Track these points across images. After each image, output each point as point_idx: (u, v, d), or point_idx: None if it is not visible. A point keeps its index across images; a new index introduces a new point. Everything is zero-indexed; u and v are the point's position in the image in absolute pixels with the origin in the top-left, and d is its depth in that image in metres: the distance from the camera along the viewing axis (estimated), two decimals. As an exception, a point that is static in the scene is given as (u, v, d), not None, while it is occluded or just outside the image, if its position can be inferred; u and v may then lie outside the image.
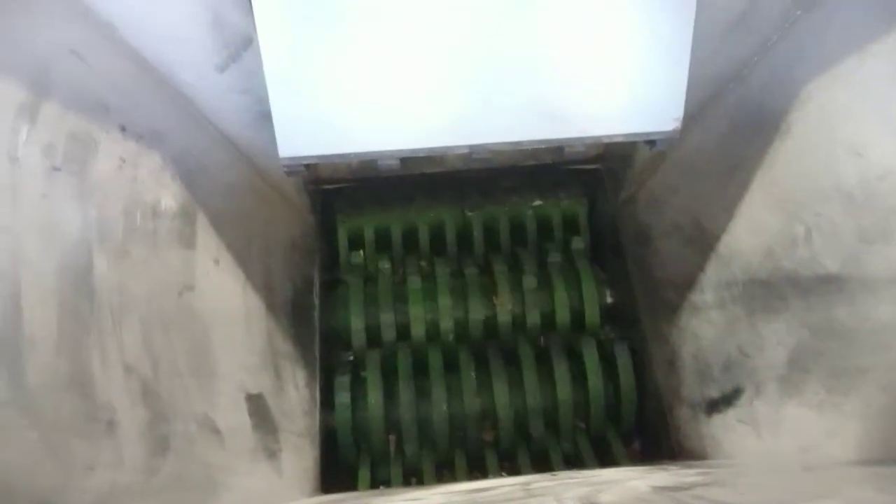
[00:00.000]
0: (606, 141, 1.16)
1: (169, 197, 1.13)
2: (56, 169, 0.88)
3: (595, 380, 1.52)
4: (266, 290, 1.40)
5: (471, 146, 1.14)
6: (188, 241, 1.17)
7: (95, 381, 0.87)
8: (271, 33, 1.02)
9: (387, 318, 1.59)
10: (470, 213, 1.76)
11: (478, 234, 1.76)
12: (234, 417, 1.20)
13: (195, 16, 1.06)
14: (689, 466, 1.19)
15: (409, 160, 1.17)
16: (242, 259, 1.33)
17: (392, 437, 1.53)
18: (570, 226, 1.77)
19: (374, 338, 1.59)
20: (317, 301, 1.58)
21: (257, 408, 1.27)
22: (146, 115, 1.10)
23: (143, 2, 1.02)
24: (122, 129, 1.03)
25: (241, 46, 1.12)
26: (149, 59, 1.09)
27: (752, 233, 1.22)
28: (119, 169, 1.01)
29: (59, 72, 0.92)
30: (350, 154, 1.13)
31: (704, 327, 1.34)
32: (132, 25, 1.05)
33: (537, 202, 1.78)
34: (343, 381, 1.51)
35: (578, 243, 1.72)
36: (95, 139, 0.97)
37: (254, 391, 1.28)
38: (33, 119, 0.85)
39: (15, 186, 0.80)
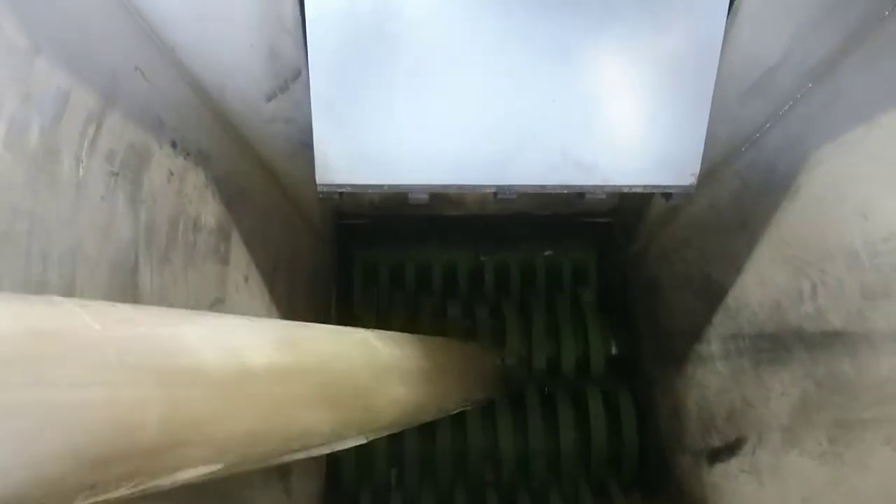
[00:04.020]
0: (626, 191, 1.22)
1: (209, 213, 1.18)
2: (115, 174, 0.93)
3: (598, 428, 1.55)
4: (288, 313, 1.44)
5: (498, 186, 1.20)
6: (223, 257, 1.21)
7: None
8: (322, 65, 1.09)
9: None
10: (483, 258, 1.82)
11: (489, 278, 1.81)
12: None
13: (252, 46, 1.13)
14: (691, 511, 1.21)
15: (434, 198, 1.23)
16: (269, 280, 1.37)
17: (394, 470, 1.55)
18: (580, 275, 1.82)
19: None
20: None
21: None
22: (196, 134, 1.16)
23: (204, 29, 1.09)
24: (174, 144, 1.09)
25: (290, 78, 1.19)
26: (204, 83, 1.16)
27: (759, 287, 1.27)
28: (168, 181, 1.07)
29: (125, 86, 0.98)
30: (384, 185, 1.19)
31: (710, 377, 1.37)
32: (192, 50, 1.11)
33: (548, 251, 1.84)
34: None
35: (587, 293, 1.77)
36: (150, 151, 1.02)
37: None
38: (99, 126, 0.90)
39: (78, 185, 0.86)
